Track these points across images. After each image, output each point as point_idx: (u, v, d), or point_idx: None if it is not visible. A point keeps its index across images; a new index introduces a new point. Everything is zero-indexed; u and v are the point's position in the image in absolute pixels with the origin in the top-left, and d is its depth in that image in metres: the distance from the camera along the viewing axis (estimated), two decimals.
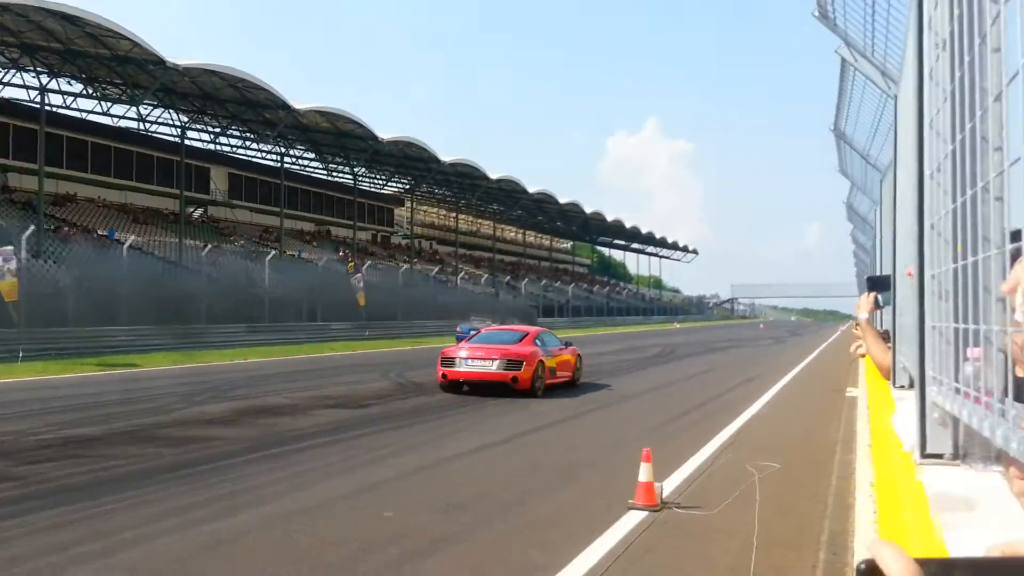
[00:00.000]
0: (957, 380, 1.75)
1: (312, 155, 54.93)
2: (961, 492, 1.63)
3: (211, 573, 5.21)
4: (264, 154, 52.79)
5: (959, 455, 1.94)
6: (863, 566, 0.66)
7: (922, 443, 2.00)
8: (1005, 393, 1.50)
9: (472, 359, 15.65)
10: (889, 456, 2.34)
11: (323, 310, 40.08)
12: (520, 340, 16.45)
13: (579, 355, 18.10)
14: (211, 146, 49.66)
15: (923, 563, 0.64)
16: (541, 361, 15.71)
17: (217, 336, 30.64)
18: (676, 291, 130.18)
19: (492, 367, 15.36)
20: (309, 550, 5.76)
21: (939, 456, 1.97)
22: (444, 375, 15.80)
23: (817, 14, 7.97)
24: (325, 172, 58.89)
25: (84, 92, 40.09)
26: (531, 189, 66.69)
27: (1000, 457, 1.93)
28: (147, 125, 44.85)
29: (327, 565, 5.44)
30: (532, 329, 18.35)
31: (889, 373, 4.87)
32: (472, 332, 21.42)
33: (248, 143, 50.66)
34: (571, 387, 16.94)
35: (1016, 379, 1.88)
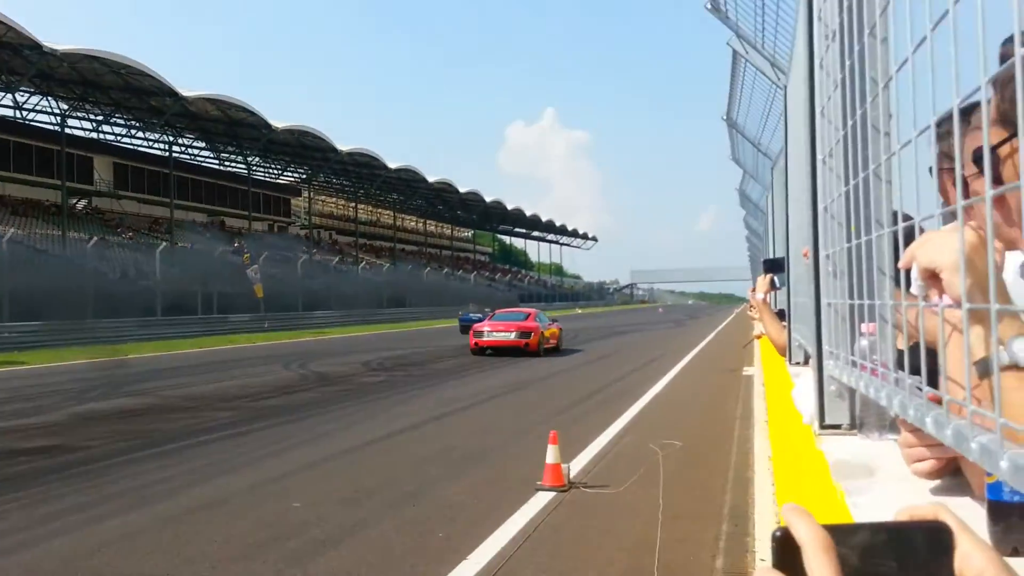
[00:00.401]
0: (853, 354, 1.84)
1: (203, 144, 53.16)
2: (860, 460, 1.72)
3: (107, 572, 5.03)
4: (151, 143, 50.79)
5: (856, 425, 2.05)
6: (778, 533, 0.68)
7: (820, 415, 2.09)
8: (899, 364, 1.59)
9: (495, 331, 23.16)
10: (788, 429, 2.45)
11: (220, 302, 38.97)
12: (526, 319, 23.89)
13: (561, 329, 25.81)
14: (94, 135, 47.41)
15: (832, 529, 0.67)
16: (542, 333, 23.25)
17: (107, 331, 29.40)
18: (577, 278, 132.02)
19: (510, 336, 22.77)
20: (209, 544, 5.63)
21: (837, 427, 2.07)
22: (476, 343, 22.87)
23: (710, 7, 8.20)
24: (217, 162, 57.09)
25: None
26: (431, 178, 66.39)
27: (894, 426, 2.04)
28: (24, 113, 42.50)
29: (230, 558, 5.33)
30: (531, 311, 25.43)
31: (785, 350, 5.08)
32: (472, 317, 32.60)
33: (134, 132, 48.62)
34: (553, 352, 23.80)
35: (904, 351, 1.99)
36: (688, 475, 7.72)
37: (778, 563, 0.67)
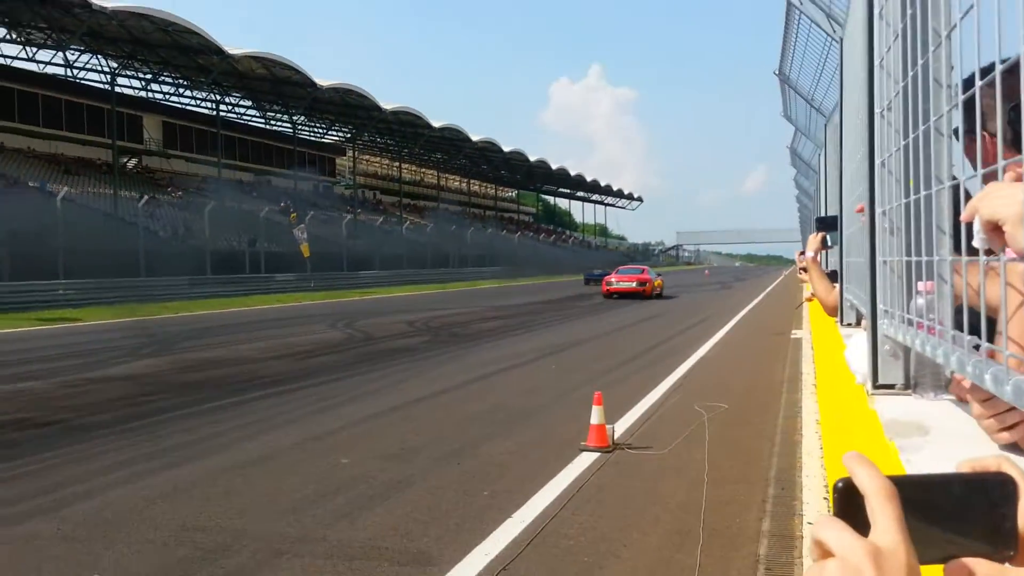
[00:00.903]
0: (908, 312, 1.81)
1: (249, 103, 53.53)
2: (914, 419, 1.69)
3: (160, 524, 5.19)
4: (199, 102, 51.27)
5: (910, 385, 2.01)
6: (840, 484, 0.67)
7: (874, 374, 2.06)
8: (956, 324, 1.55)
9: (620, 282, 32.66)
10: (839, 390, 2.42)
11: (267, 261, 39.52)
12: (641, 272, 34.08)
13: (663, 281, 35.36)
14: (143, 93, 48.00)
15: (895, 480, 0.66)
16: (652, 282, 32.75)
17: (159, 289, 30.07)
18: (622, 239, 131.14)
19: (632, 285, 32.32)
20: (260, 498, 5.77)
21: (891, 387, 2.04)
22: (608, 290, 32.35)
23: None
24: (263, 121, 57.48)
25: (7, 37, 38.35)
26: (475, 137, 66.12)
27: (949, 385, 2.01)
28: (75, 72, 43.15)
29: (280, 512, 5.46)
30: (644, 268, 36.41)
31: (834, 311, 5.00)
32: (596, 273, 44.79)
33: (182, 90, 49.11)
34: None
35: (964, 308, 1.95)
36: (734, 438, 7.69)
37: (840, 512, 0.66)
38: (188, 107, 52.53)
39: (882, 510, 0.62)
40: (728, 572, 4.46)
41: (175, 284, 31.65)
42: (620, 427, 7.75)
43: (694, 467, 6.55)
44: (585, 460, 6.70)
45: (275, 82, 47.05)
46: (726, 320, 21.47)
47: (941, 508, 0.68)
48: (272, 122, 57.72)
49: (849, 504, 0.65)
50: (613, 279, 33.05)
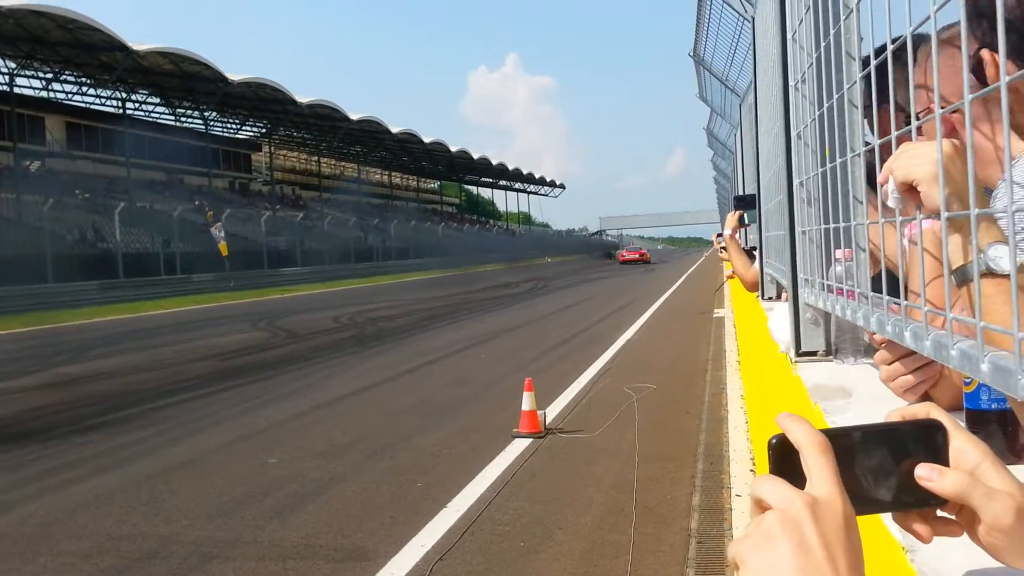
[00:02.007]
0: (828, 279, 1.85)
1: (157, 100, 51.89)
2: (837, 383, 1.73)
3: (82, 534, 5.00)
4: (104, 100, 49.45)
5: (831, 351, 2.06)
6: (775, 440, 0.67)
7: (796, 343, 2.10)
8: (874, 285, 1.59)
9: (628, 255, 66.94)
10: (762, 361, 2.47)
11: (183, 262, 38.46)
12: (639, 249, 73.29)
13: (649, 253, 71.94)
14: (44, 93, 46.03)
15: (828, 432, 0.66)
16: (647, 253, 68.77)
17: (68, 296, 28.91)
18: (546, 226, 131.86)
19: (635, 256, 65.02)
20: (186, 502, 5.62)
21: (813, 354, 2.08)
22: (622, 260, 63.86)
23: None
24: (173, 118, 55.83)
25: None
26: (394, 129, 65.56)
27: (869, 350, 2.06)
28: None
29: (208, 515, 5.32)
30: (641, 247, 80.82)
31: (754, 286, 5.12)
32: (612, 253, 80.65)
33: (85, 89, 47.28)
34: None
35: (883, 272, 2.00)
36: (662, 417, 7.81)
37: (776, 469, 0.66)
38: (93, 106, 50.60)
39: (816, 462, 0.62)
40: (661, 547, 4.53)
41: (85, 289, 30.49)
42: (551, 412, 7.79)
43: (625, 447, 6.63)
44: (518, 446, 6.72)
45: (184, 78, 45.74)
46: (650, 303, 21.81)
47: (875, 456, 0.68)
48: (183, 119, 56.09)
49: (784, 460, 0.65)
50: (625, 253, 68.74)
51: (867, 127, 1.79)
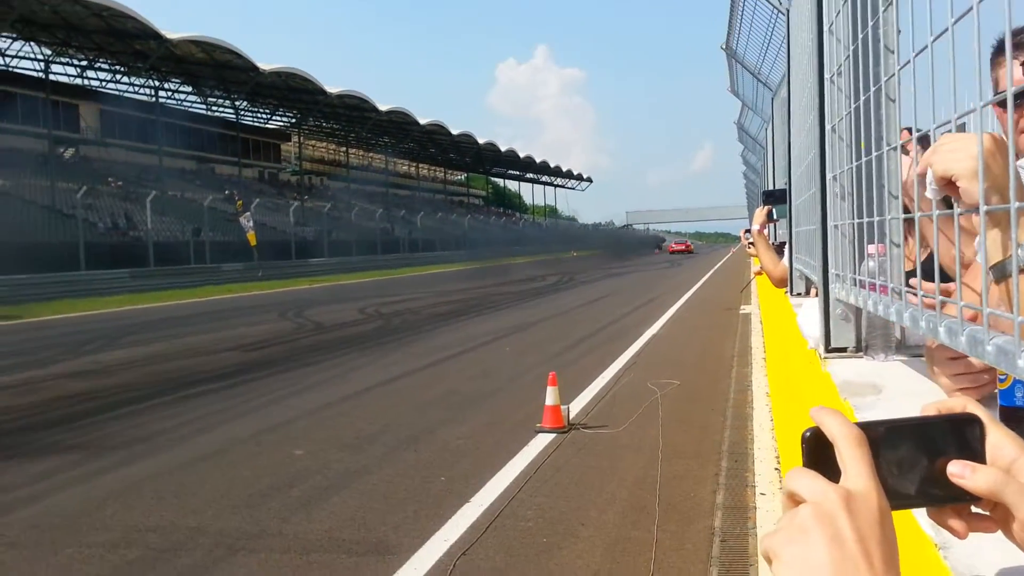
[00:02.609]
0: (859, 274, 1.82)
1: (189, 89, 52.38)
2: (867, 379, 1.70)
3: (110, 525, 5.06)
4: (137, 89, 50.00)
5: (862, 348, 2.03)
6: (808, 433, 0.66)
7: (826, 338, 2.07)
8: (905, 281, 1.56)
9: (676, 246, 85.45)
10: (793, 355, 2.45)
11: (213, 251, 38.85)
12: (685, 240, 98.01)
13: (694, 245, 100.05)
14: (79, 81, 46.61)
15: (865, 427, 0.65)
16: (692, 245, 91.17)
17: (100, 283, 29.33)
18: (572, 219, 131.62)
19: (682, 247, 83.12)
20: (213, 493, 5.66)
21: (843, 350, 2.05)
22: (671, 250, 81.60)
23: None
24: (204, 107, 56.33)
25: None
26: (422, 121, 65.76)
27: (900, 346, 2.03)
28: (7, 59, 41.74)
29: (234, 506, 5.36)
30: (687, 240, 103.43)
31: (782, 283, 5.07)
32: (662, 245, 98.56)
33: (119, 77, 47.82)
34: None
35: (917, 266, 1.97)
36: (687, 413, 7.76)
37: (810, 462, 0.64)
38: (126, 94, 51.17)
39: (851, 456, 0.61)
40: (684, 545, 4.50)
41: (117, 277, 30.92)
42: (575, 407, 7.77)
43: (648, 444, 6.60)
44: (541, 441, 6.71)
45: (216, 67, 46.15)
46: (676, 298, 21.70)
47: (910, 450, 0.67)
48: (214, 108, 56.59)
49: (818, 453, 0.64)
50: (673, 245, 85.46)
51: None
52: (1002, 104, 1.21)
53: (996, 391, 1.13)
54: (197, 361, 11.97)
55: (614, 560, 4.33)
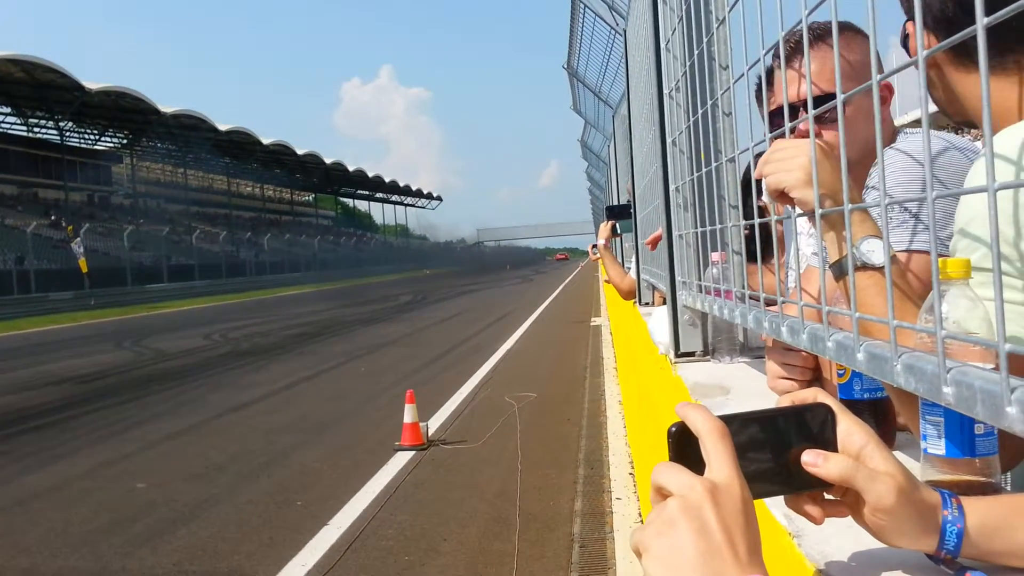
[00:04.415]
0: (704, 280, 1.90)
1: (8, 109, 48.80)
2: (715, 381, 1.78)
3: None
4: None
5: (709, 351, 2.12)
6: (674, 428, 0.68)
7: (676, 344, 2.15)
8: (744, 286, 1.65)
9: (559, 257, 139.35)
10: (645, 361, 2.53)
11: (38, 281, 36.23)
12: (563, 251, 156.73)
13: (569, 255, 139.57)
14: None
15: (726, 419, 0.67)
16: (568, 256, 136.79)
17: None
18: (424, 238, 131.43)
19: (563, 257, 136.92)
20: (48, 531, 5.26)
21: (691, 354, 2.14)
22: (556, 259, 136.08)
23: None
24: (25, 128, 52.61)
25: None
26: (266, 140, 64.05)
27: (744, 349, 2.13)
28: None
29: (71, 545, 4.99)
30: (564, 252, 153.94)
31: (629, 294, 5.25)
32: (548, 258, 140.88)
33: None
34: None
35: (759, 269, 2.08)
36: (544, 425, 7.88)
37: (676, 456, 0.66)
38: None
39: (715, 448, 0.63)
40: (545, 553, 4.55)
41: None
42: (433, 424, 7.73)
43: (508, 457, 6.65)
44: (401, 460, 6.63)
45: (37, 86, 43.24)
46: (528, 314, 22.03)
47: (767, 441, 0.70)
48: (36, 130, 52.93)
49: (684, 447, 0.66)
50: (556, 258, 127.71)
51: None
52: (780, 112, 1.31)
53: (836, 384, 1.20)
54: (22, 397, 11.08)
55: (477, 573, 4.33)
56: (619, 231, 5.51)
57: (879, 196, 0.81)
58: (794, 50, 1.48)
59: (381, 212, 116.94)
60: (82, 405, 10.20)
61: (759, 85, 1.53)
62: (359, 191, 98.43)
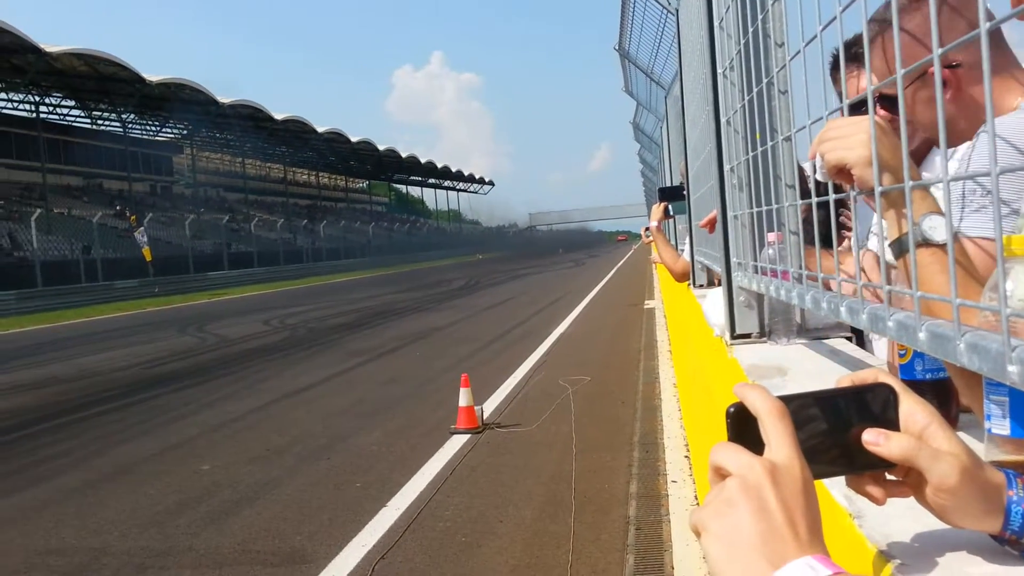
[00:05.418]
0: (760, 261, 1.88)
1: (72, 103, 50.14)
2: (772, 362, 1.76)
3: (9, 551, 4.80)
4: (16, 104, 47.56)
5: (765, 333, 2.10)
6: (732, 409, 0.68)
7: (731, 325, 2.13)
8: (802, 266, 1.62)
9: (620, 239, 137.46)
10: (700, 343, 2.51)
11: (105, 269, 37.29)
12: (624, 233, 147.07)
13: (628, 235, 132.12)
14: None
15: (786, 399, 0.67)
16: (628, 238, 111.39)
17: None
18: (476, 223, 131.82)
19: (623, 239, 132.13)
20: (118, 512, 5.45)
21: (747, 336, 2.11)
22: (617, 240, 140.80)
23: None
24: (89, 121, 54.03)
25: None
26: (320, 129, 64.73)
27: (801, 330, 2.10)
28: None
29: (140, 525, 5.16)
30: (624, 233, 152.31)
31: (682, 277, 5.19)
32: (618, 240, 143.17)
33: None
34: None
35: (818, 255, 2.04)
36: (598, 408, 7.87)
37: (734, 436, 0.66)
38: (4, 110, 48.57)
39: (774, 428, 0.63)
40: (600, 536, 4.56)
41: (2, 300, 29.34)
42: (488, 407, 7.79)
43: (562, 439, 6.67)
44: (456, 443, 6.70)
45: (100, 79, 44.31)
46: (581, 297, 21.98)
47: (828, 422, 0.69)
48: (100, 122, 54.32)
49: (742, 427, 0.65)
50: (619, 239, 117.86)
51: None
52: (861, 104, 1.20)
53: (897, 366, 1.18)
54: (91, 382, 11.46)
55: (533, 555, 4.36)
56: (672, 212, 5.45)
57: (986, 165, 0.75)
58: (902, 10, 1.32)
59: (434, 197, 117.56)
60: (148, 390, 10.51)
61: (835, 58, 1.49)
62: (412, 177, 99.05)
